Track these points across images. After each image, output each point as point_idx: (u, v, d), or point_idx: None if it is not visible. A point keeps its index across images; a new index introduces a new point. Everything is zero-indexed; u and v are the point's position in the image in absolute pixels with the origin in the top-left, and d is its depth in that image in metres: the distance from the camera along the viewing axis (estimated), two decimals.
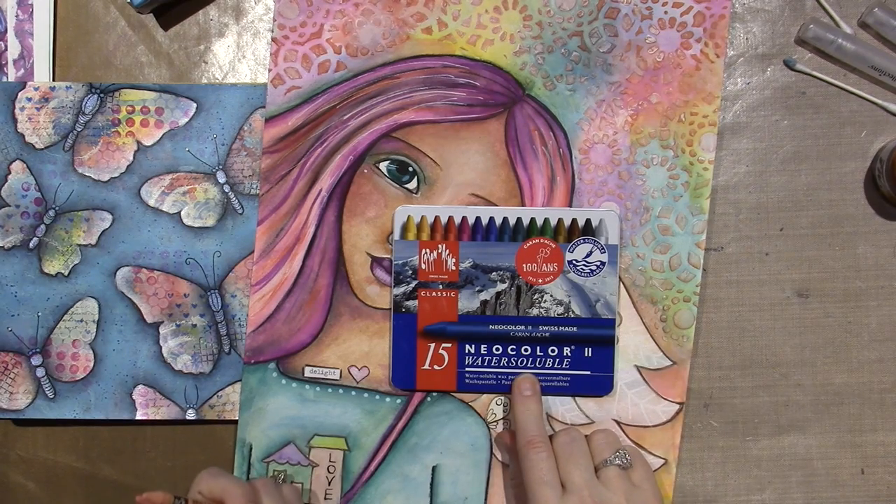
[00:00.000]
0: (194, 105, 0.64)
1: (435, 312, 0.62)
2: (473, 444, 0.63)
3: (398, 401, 0.63)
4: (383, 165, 0.63)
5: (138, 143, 0.64)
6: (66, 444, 0.65)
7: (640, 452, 0.61)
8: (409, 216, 0.62)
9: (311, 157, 0.63)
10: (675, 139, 0.63)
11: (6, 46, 0.64)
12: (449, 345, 0.63)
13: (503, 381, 0.63)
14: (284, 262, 0.63)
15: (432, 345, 0.63)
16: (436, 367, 0.63)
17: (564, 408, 0.63)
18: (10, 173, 0.64)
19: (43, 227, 0.64)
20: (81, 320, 0.64)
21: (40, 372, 0.64)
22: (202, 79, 0.65)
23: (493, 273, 0.62)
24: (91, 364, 0.64)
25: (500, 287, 0.62)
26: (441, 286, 0.62)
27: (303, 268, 0.63)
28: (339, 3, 0.63)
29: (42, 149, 0.64)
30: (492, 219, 0.62)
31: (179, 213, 0.64)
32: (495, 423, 0.63)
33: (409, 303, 0.62)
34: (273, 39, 0.64)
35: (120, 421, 0.65)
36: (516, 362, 0.62)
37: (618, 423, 0.63)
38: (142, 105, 0.64)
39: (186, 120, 0.64)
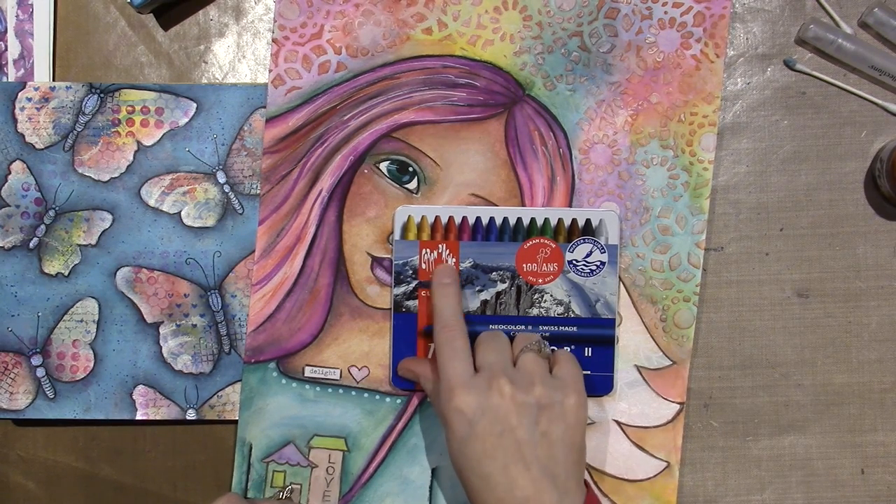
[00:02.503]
0: (194, 105, 0.64)
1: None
2: None
3: (398, 401, 0.63)
4: (383, 165, 0.63)
5: (138, 143, 0.64)
6: (66, 444, 0.65)
7: (572, 357, 0.58)
8: (409, 216, 0.62)
9: (311, 157, 0.63)
10: (675, 139, 0.63)
11: (6, 46, 0.64)
12: None
13: None
14: (285, 262, 0.63)
15: (432, 345, 0.63)
16: None
17: None
18: (10, 173, 0.64)
19: (43, 227, 0.64)
20: (81, 320, 0.64)
21: (40, 372, 0.64)
22: (202, 79, 0.65)
23: (494, 273, 0.62)
24: (91, 364, 0.64)
25: (501, 287, 0.62)
26: None
27: (303, 267, 0.63)
28: (340, 4, 0.63)
29: (42, 149, 0.64)
30: (492, 219, 0.62)
31: (179, 213, 0.64)
32: None
33: (410, 303, 0.62)
34: (273, 40, 0.64)
35: (120, 421, 0.65)
36: None
37: (618, 423, 0.63)
38: (142, 105, 0.64)
39: (186, 120, 0.64)
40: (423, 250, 0.62)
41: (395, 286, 0.62)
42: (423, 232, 0.62)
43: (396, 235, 0.62)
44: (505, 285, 0.62)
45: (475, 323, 0.62)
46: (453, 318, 0.58)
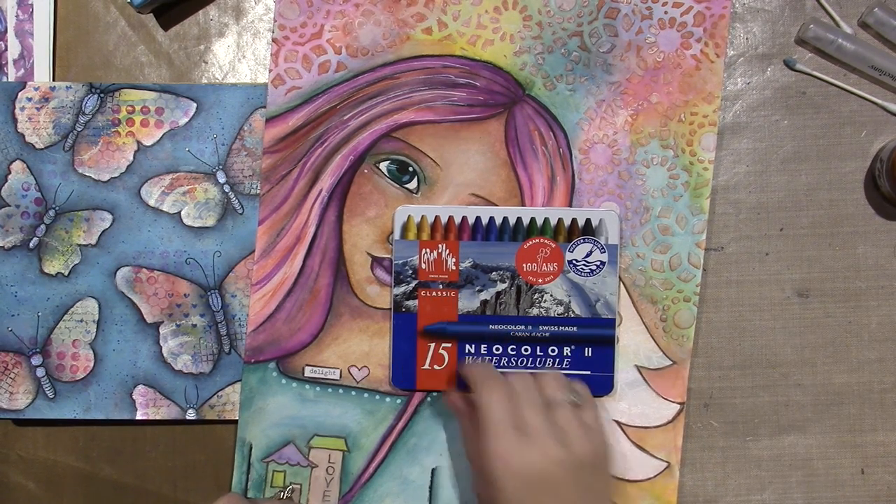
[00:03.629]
0: (194, 105, 0.64)
1: (435, 312, 0.62)
2: None
3: (398, 401, 0.63)
4: (383, 165, 0.63)
5: (138, 143, 0.64)
6: (66, 444, 0.65)
7: (591, 396, 0.60)
8: (409, 216, 0.62)
9: (311, 157, 0.63)
10: (675, 139, 0.63)
11: (6, 46, 0.64)
12: (449, 345, 0.63)
13: None
14: (285, 262, 0.63)
15: (432, 345, 0.63)
16: (436, 366, 0.63)
17: None
18: (10, 173, 0.64)
19: (43, 227, 0.64)
20: (81, 320, 0.64)
21: (40, 372, 0.64)
22: (202, 79, 0.65)
23: (493, 273, 0.62)
24: (91, 364, 0.64)
25: (501, 287, 0.62)
26: (441, 286, 0.62)
27: (303, 267, 0.63)
28: (340, 4, 0.63)
29: (42, 149, 0.64)
30: (492, 219, 0.62)
31: (179, 213, 0.64)
32: None
33: (410, 302, 0.62)
34: (273, 40, 0.64)
35: (120, 421, 0.65)
36: (516, 362, 0.62)
37: (618, 423, 0.63)
38: (142, 105, 0.64)
39: (186, 120, 0.64)
40: (423, 250, 0.62)
41: (395, 286, 0.62)
42: (423, 232, 0.62)
43: (396, 235, 0.62)
44: (505, 285, 0.62)
45: (475, 323, 0.62)
46: (491, 372, 0.59)
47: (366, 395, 0.63)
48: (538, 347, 0.62)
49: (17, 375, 0.64)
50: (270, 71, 0.63)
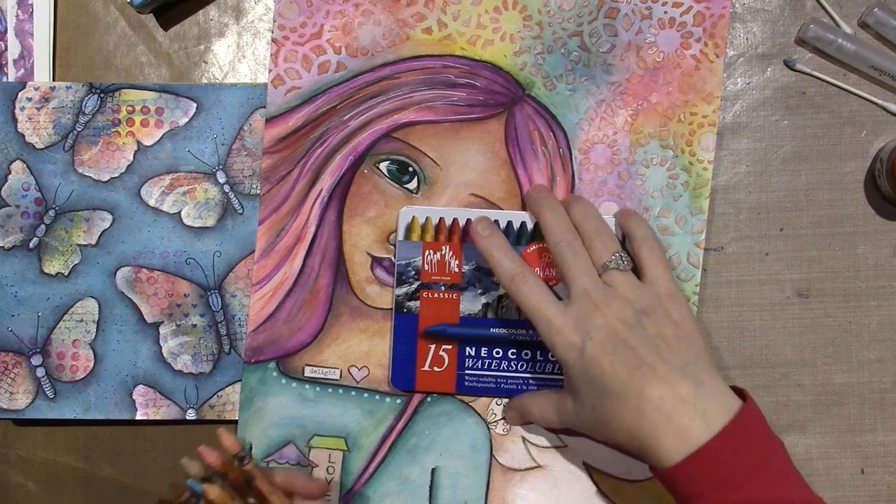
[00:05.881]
0: (194, 105, 0.64)
1: (436, 314, 0.62)
2: (473, 445, 0.63)
3: (398, 401, 0.63)
4: (383, 165, 0.63)
5: (138, 143, 0.64)
6: (66, 444, 0.65)
7: (654, 243, 0.58)
8: (413, 217, 0.62)
9: (311, 157, 0.63)
10: (675, 139, 0.63)
11: (6, 46, 0.64)
12: (449, 347, 0.62)
13: (503, 385, 0.63)
14: (285, 262, 0.63)
15: (433, 346, 0.63)
16: (436, 368, 0.63)
17: None
18: (10, 173, 0.64)
19: (43, 227, 0.64)
20: (81, 320, 0.64)
21: (40, 372, 0.64)
22: (202, 79, 0.65)
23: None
24: (91, 364, 0.64)
25: (503, 290, 0.62)
26: (443, 287, 0.62)
27: (303, 267, 0.63)
28: (340, 4, 0.63)
29: (42, 149, 0.64)
30: (496, 222, 0.62)
31: (179, 213, 0.64)
32: (495, 424, 0.63)
33: (411, 303, 0.62)
34: (273, 40, 0.64)
35: (120, 421, 0.65)
36: (516, 366, 0.62)
37: None
38: (142, 105, 0.64)
39: (186, 120, 0.64)
40: (427, 251, 0.62)
41: (396, 286, 0.62)
42: (426, 233, 0.62)
43: (400, 236, 0.62)
44: None
45: (476, 325, 0.62)
46: (515, 264, 0.57)
47: (366, 395, 0.63)
48: (539, 352, 0.62)
49: (17, 375, 0.64)
50: (270, 71, 0.63)
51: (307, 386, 0.63)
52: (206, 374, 0.64)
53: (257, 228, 0.63)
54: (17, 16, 0.65)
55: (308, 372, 0.63)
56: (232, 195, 0.64)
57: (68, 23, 0.65)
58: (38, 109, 0.64)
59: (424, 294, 0.62)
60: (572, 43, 0.63)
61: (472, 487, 0.63)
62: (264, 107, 0.64)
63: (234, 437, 0.54)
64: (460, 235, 0.62)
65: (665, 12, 0.63)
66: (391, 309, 0.63)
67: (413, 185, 0.63)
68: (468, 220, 0.62)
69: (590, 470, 0.63)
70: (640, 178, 0.63)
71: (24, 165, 0.64)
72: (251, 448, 0.63)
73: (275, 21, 0.64)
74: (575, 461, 0.63)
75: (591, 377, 0.53)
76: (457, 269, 0.62)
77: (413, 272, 0.62)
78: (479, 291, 0.62)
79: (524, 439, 0.63)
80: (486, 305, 0.62)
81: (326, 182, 0.63)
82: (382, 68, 0.63)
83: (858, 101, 0.64)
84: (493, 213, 0.62)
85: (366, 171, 0.63)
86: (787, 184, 0.64)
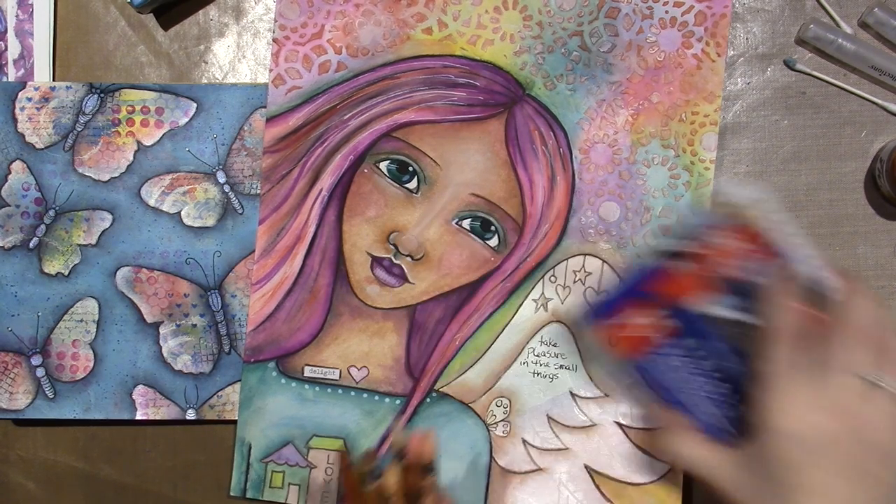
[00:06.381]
0: (194, 105, 0.64)
1: (683, 284, 0.53)
2: (473, 446, 0.63)
3: (397, 401, 0.63)
4: (383, 165, 0.63)
5: (138, 143, 0.64)
6: (66, 444, 0.65)
7: None
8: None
9: (311, 156, 0.63)
10: (676, 139, 0.63)
11: (6, 46, 0.65)
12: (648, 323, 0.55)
13: (677, 393, 0.55)
14: (285, 262, 0.63)
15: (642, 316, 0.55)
16: (637, 333, 0.55)
17: (561, 409, 0.63)
18: (10, 173, 0.64)
19: (43, 227, 0.64)
20: (81, 320, 0.64)
21: (40, 372, 0.64)
22: (202, 79, 0.65)
23: (750, 301, 0.53)
24: (91, 364, 0.64)
25: (743, 317, 0.53)
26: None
27: (303, 267, 0.63)
28: (340, 4, 0.63)
29: (42, 149, 0.64)
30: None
31: (179, 213, 0.64)
32: (495, 426, 0.63)
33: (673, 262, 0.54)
34: (274, 40, 0.64)
35: (120, 421, 0.65)
36: (705, 388, 0.55)
37: (621, 425, 0.63)
38: (142, 105, 0.64)
39: (186, 120, 0.64)
40: (731, 236, 0.53)
41: (674, 238, 0.54)
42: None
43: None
44: (748, 317, 0.53)
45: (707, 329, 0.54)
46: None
47: (365, 395, 0.63)
48: (738, 397, 0.54)
49: (16, 375, 0.64)
50: (271, 70, 0.63)
51: (307, 386, 0.63)
52: (205, 374, 0.64)
53: (257, 228, 0.63)
54: (17, 16, 0.65)
55: (308, 372, 0.63)
56: (232, 195, 0.64)
57: (68, 23, 0.65)
58: (38, 109, 0.64)
59: (697, 263, 0.53)
60: (573, 43, 0.63)
61: (471, 490, 0.63)
62: (264, 107, 0.64)
63: (434, 447, 0.53)
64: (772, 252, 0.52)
65: (666, 12, 0.63)
66: (402, 308, 0.63)
67: (413, 184, 0.63)
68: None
69: (591, 473, 0.63)
70: (641, 178, 0.63)
71: (25, 165, 0.64)
72: (251, 447, 0.63)
73: (275, 21, 0.64)
74: (576, 464, 0.63)
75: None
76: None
77: (700, 235, 0.53)
78: (739, 305, 0.53)
79: (524, 441, 0.63)
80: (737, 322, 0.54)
81: (326, 181, 0.63)
82: (383, 68, 0.63)
83: (858, 101, 0.64)
84: None
85: (366, 170, 0.63)
86: (787, 184, 0.64)
